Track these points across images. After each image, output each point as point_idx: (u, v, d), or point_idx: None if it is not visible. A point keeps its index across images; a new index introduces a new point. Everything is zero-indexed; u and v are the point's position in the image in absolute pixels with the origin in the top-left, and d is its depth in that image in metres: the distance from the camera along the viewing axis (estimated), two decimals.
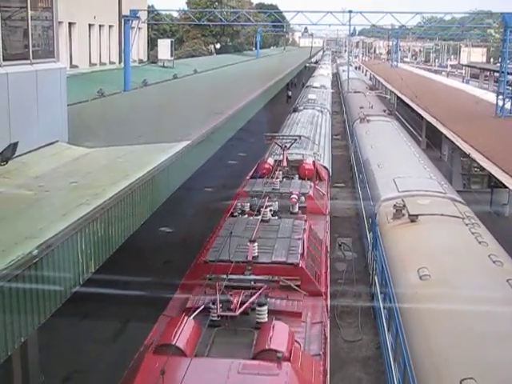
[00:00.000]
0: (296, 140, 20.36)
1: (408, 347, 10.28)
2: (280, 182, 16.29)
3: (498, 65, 44.97)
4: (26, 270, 5.84)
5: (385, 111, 40.85)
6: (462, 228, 14.36)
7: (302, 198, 14.82)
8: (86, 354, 14.11)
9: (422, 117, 37.17)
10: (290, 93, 63.96)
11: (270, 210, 13.00)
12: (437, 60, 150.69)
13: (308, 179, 17.61)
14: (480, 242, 13.26)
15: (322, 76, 75.24)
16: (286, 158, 18.79)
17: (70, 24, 35.79)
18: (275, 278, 9.97)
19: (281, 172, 17.64)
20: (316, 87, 54.73)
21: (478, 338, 9.35)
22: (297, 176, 17.85)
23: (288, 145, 19.63)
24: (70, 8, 32.15)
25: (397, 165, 22.09)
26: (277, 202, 14.15)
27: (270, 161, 18.96)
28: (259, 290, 9.15)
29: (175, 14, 76.99)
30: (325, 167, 20.89)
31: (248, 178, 17.96)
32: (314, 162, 19.36)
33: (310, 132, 27.29)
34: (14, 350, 5.86)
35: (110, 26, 42.30)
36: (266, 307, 8.56)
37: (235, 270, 9.79)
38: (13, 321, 5.69)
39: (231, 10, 71.10)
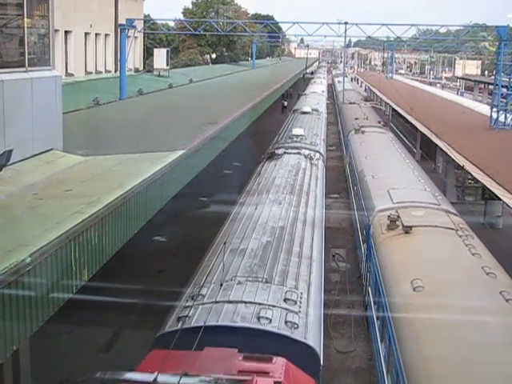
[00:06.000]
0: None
1: (401, 358, 10.27)
2: None
3: (493, 77, 45.14)
4: (19, 277, 5.82)
5: (380, 122, 40.96)
6: (456, 240, 14.37)
7: None
8: (78, 362, 14.04)
9: (417, 128, 37.33)
10: (285, 103, 64.26)
11: None
12: (432, 72, 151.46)
13: None
14: (473, 254, 13.27)
15: (315, 94, 59.50)
16: None
17: (66, 32, 35.83)
18: None
19: None
20: (306, 112, 40.41)
21: (470, 349, 9.36)
22: None
23: None
24: (66, 16, 32.27)
25: (391, 176, 22.11)
26: None
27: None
28: None
29: (171, 24, 77.16)
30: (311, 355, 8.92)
31: None
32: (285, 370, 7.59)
33: (286, 216, 14.81)
34: (5, 358, 5.85)
35: (106, 35, 42.39)
36: None
37: None
38: (5, 328, 5.66)
39: (227, 20, 71.28)
